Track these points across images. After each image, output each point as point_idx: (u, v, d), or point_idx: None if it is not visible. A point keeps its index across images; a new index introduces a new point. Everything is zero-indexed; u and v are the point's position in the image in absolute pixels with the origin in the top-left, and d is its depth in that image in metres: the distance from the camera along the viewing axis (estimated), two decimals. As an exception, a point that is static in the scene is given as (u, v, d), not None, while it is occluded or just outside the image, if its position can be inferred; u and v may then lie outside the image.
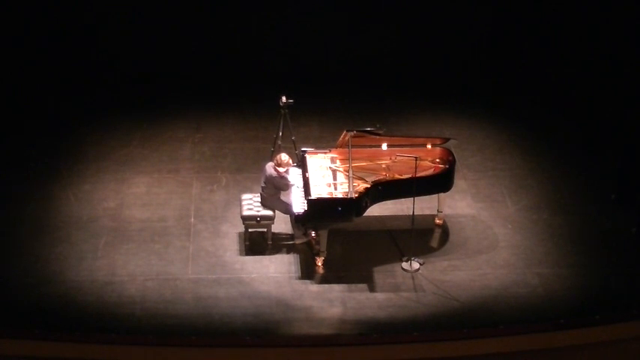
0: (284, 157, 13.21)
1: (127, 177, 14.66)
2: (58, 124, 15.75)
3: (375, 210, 13.39)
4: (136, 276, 12.82)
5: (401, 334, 11.89)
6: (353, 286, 12.75)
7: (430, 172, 13.41)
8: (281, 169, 13.17)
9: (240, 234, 13.49)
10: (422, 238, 13.50)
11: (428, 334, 11.84)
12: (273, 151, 13.99)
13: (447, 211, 13.85)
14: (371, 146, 13.51)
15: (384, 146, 13.47)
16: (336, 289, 12.71)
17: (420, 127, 15.87)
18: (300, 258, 13.18)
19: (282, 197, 13.30)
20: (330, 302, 12.54)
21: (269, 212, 13.23)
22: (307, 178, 13.15)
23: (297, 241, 13.39)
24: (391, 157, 13.52)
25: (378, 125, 13.48)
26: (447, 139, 13.68)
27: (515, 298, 12.65)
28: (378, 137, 13.35)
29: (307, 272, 12.96)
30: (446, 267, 13.13)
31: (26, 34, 16.75)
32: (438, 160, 13.58)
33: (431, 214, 13.84)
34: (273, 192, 13.24)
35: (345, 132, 13.15)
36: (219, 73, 17.02)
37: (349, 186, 12.81)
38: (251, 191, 13.78)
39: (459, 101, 16.57)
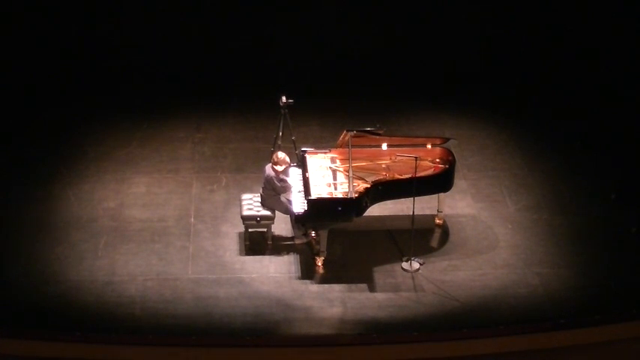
0: (280, 154, 13.21)
1: (127, 177, 14.66)
2: (59, 124, 15.74)
3: (375, 210, 13.38)
4: (136, 276, 12.82)
5: (401, 334, 11.89)
6: (353, 286, 12.75)
7: (430, 172, 13.41)
8: (278, 168, 13.17)
9: (240, 234, 13.49)
10: (422, 238, 13.50)
11: (428, 334, 11.84)
12: (273, 151, 13.97)
13: (447, 211, 13.85)
14: (371, 146, 13.51)
15: (384, 146, 13.47)
16: (336, 289, 12.71)
17: (420, 127, 15.87)
18: (300, 258, 13.18)
19: (282, 197, 13.29)
20: (330, 302, 12.54)
21: (269, 212, 13.23)
22: (307, 178, 13.15)
23: (297, 241, 13.39)
24: (391, 157, 13.52)
25: (378, 125, 13.48)
26: (447, 139, 13.68)
27: (515, 298, 12.65)
28: (378, 137, 13.35)
29: (307, 272, 12.96)
30: (446, 267, 13.13)
31: (26, 33, 16.75)
32: (438, 160, 13.58)
33: (431, 214, 13.84)
34: (273, 192, 13.24)
35: (345, 132, 13.15)
36: (219, 73, 17.01)
37: (349, 186, 12.80)
38: (251, 191, 13.78)
39: (459, 101, 16.56)
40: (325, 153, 13.64)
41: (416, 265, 13.06)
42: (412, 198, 12.99)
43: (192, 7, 17.13)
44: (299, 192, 13.19)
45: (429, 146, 13.61)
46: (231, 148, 15.40)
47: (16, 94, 16.27)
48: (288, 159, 13.25)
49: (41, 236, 13.41)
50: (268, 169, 13.24)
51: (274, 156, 13.21)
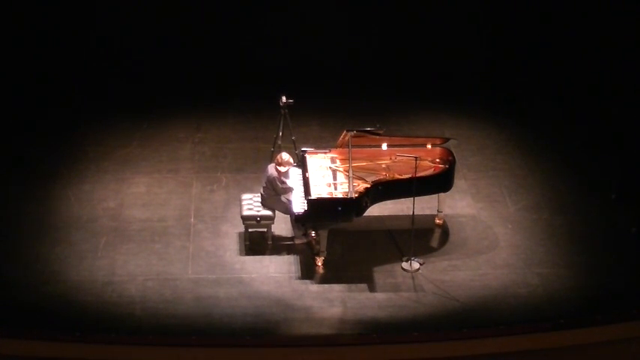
0: (285, 155, 13.21)
1: (127, 177, 14.66)
2: (59, 124, 15.75)
3: (375, 210, 13.39)
4: (136, 276, 12.82)
5: (401, 334, 11.89)
6: (353, 286, 12.75)
7: (430, 172, 13.41)
8: (282, 169, 13.17)
9: (240, 234, 13.49)
10: (422, 238, 13.50)
11: (428, 334, 11.84)
12: (273, 151, 13.99)
13: (447, 211, 13.85)
14: (371, 146, 13.51)
15: (384, 146, 13.47)
16: (336, 289, 12.70)
17: (420, 127, 15.88)
18: (300, 258, 13.18)
19: (283, 197, 13.29)
20: (330, 302, 12.54)
21: (269, 212, 13.23)
22: (307, 178, 13.15)
23: (297, 241, 13.39)
24: (391, 157, 13.53)
25: (378, 125, 13.48)
26: (447, 139, 13.68)
27: (515, 298, 12.65)
28: (378, 137, 13.35)
29: (307, 272, 12.96)
30: (446, 267, 13.12)
31: (26, 33, 16.75)
32: (438, 160, 13.58)
33: (431, 214, 13.85)
34: (274, 192, 13.24)
35: (345, 132, 13.15)
36: (219, 73, 17.02)
37: (349, 186, 12.80)
38: (251, 191, 13.78)
39: (459, 101, 16.57)
40: (325, 153, 13.64)
41: (416, 265, 13.06)
42: (412, 198, 12.99)
43: (193, 7, 17.12)
44: (299, 193, 13.21)
45: (429, 146, 13.62)
46: (231, 148, 15.40)
47: (16, 94, 16.27)
48: (292, 160, 13.24)
49: (41, 236, 13.41)
50: (271, 168, 13.23)
51: (279, 157, 13.19)
